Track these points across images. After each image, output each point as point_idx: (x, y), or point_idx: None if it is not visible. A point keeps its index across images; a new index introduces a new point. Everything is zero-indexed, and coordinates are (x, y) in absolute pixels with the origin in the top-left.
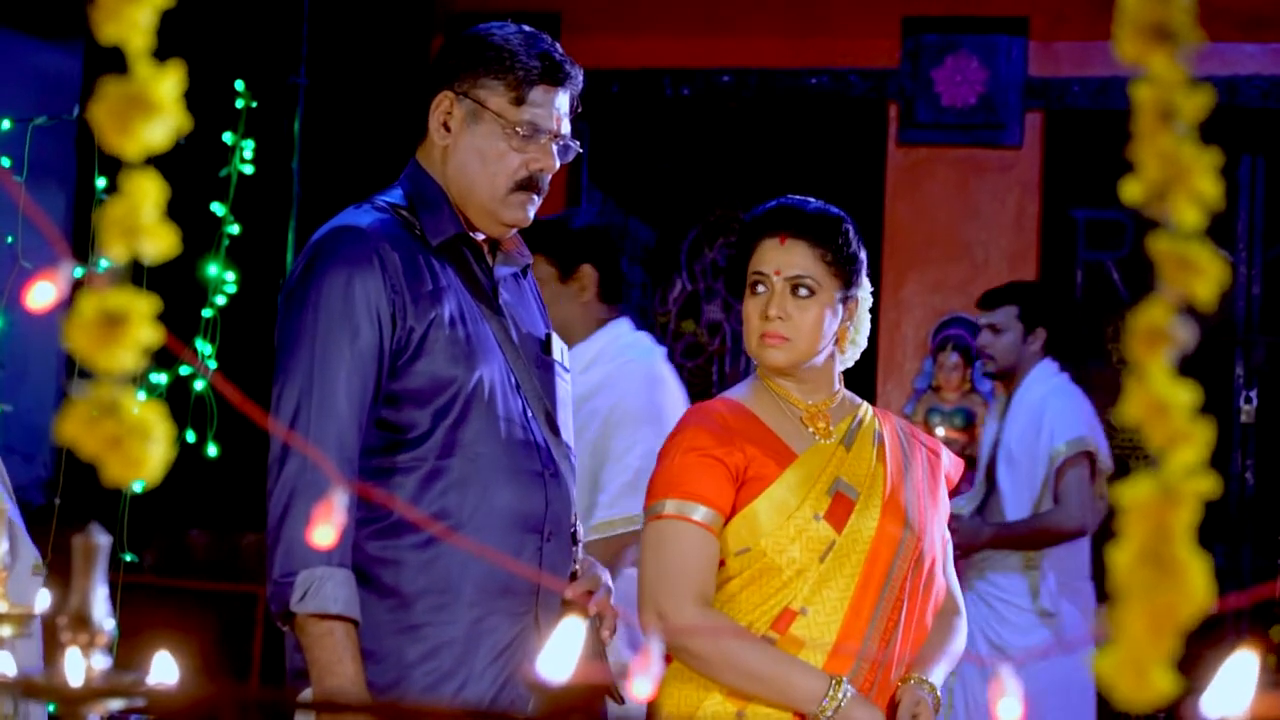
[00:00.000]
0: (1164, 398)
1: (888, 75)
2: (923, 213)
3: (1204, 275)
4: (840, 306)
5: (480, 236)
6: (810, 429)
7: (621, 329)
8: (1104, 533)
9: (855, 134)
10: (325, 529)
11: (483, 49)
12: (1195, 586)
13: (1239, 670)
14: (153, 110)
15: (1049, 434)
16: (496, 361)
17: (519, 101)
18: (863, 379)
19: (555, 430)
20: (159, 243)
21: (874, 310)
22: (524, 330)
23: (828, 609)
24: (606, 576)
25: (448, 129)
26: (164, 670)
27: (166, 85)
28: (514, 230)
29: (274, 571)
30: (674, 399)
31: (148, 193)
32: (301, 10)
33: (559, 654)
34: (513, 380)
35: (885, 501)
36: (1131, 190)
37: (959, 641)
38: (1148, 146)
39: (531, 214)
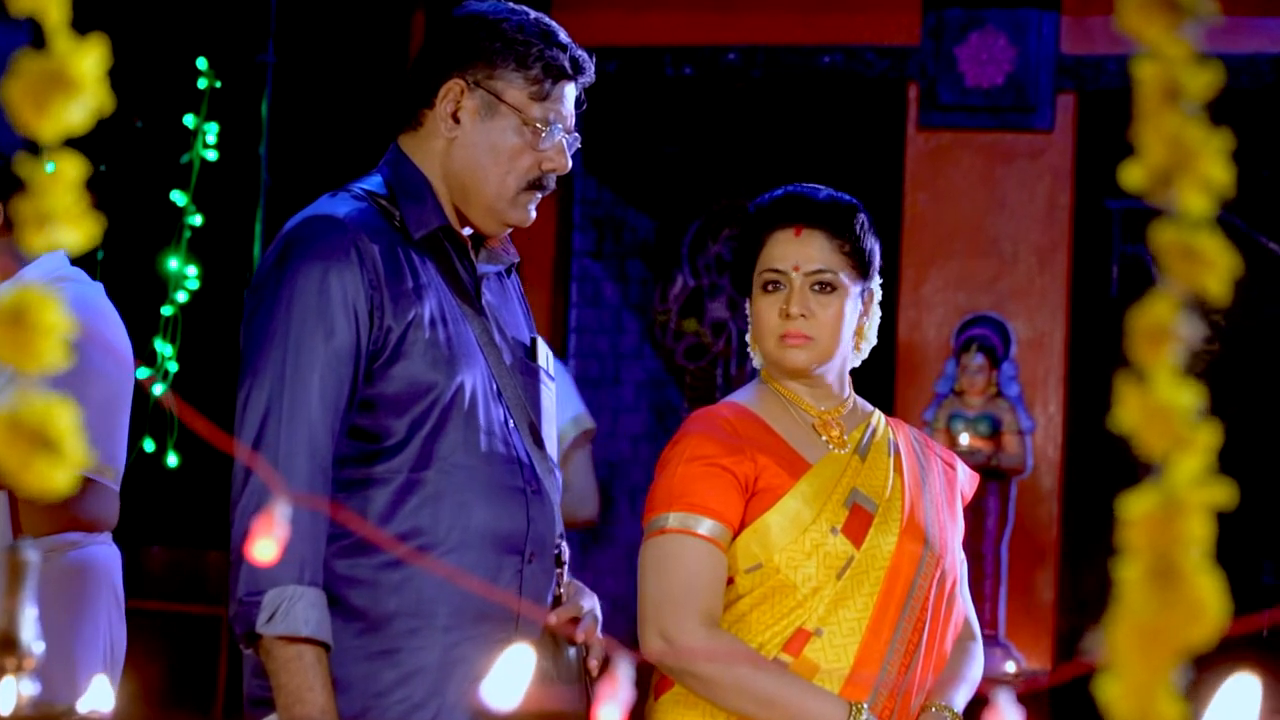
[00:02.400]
0: (1166, 401)
1: (908, 53)
2: (945, 203)
3: (1213, 267)
4: (859, 301)
5: (466, 231)
6: (823, 437)
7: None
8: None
9: (872, 117)
10: (266, 544)
11: (498, 35)
12: (1205, 607)
13: (1239, 695)
14: (72, 88)
15: None
16: (478, 367)
17: (540, 97)
18: (880, 382)
19: (539, 443)
20: (80, 231)
21: (892, 308)
22: (508, 333)
23: (844, 630)
24: (593, 602)
25: (456, 120)
26: (99, 697)
27: (87, 61)
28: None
29: (238, 590)
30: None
31: (67, 177)
32: None
33: (504, 680)
34: (494, 387)
35: (904, 516)
36: (1134, 175)
37: (978, 667)
38: (1151, 128)
39: (534, 214)
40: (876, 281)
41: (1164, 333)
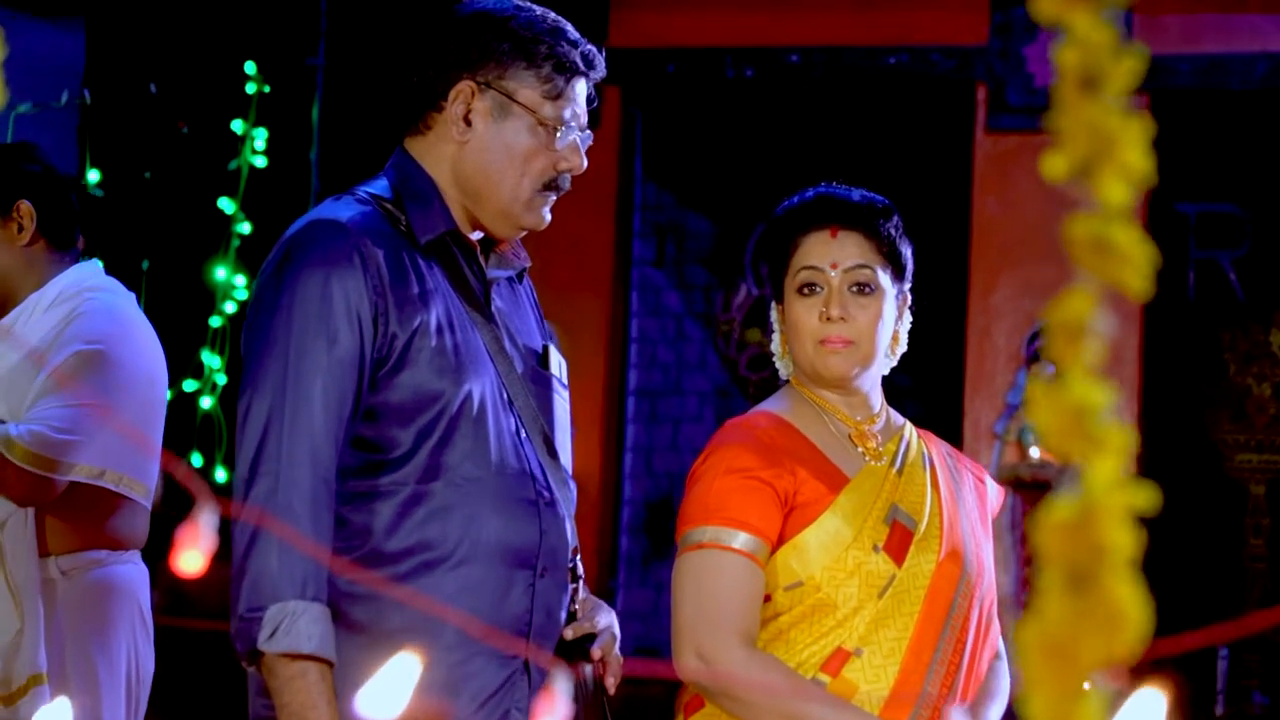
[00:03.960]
0: (1080, 401)
1: (975, 53)
2: (1014, 207)
3: (1129, 261)
4: (896, 303)
5: (476, 236)
6: (859, 448)
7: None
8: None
9: (938, 119)
10: (192, 555)
11: (507, 34)
12: (1124, 617)
13: (1145, 710)
14: None
15: None
16: (488, 375)
17: (553, 95)
18: (948, 393)
19: (552, 453)
20: None
21: (961, 316)
22: (519, 340)
23: (885, 650)
24: (611, 619)
25: (468, 123)
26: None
27: None
28: (523, 232)
29: (239, 606)
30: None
31: None
32: None
33: (384, 691)
34: (505, 396)
35: (943, 534)
36: (1054, 165)
37: (1006, 683)
38: (1071, 117)
39: (549, 216)
40: (909, 285)
41: (1079, 330)
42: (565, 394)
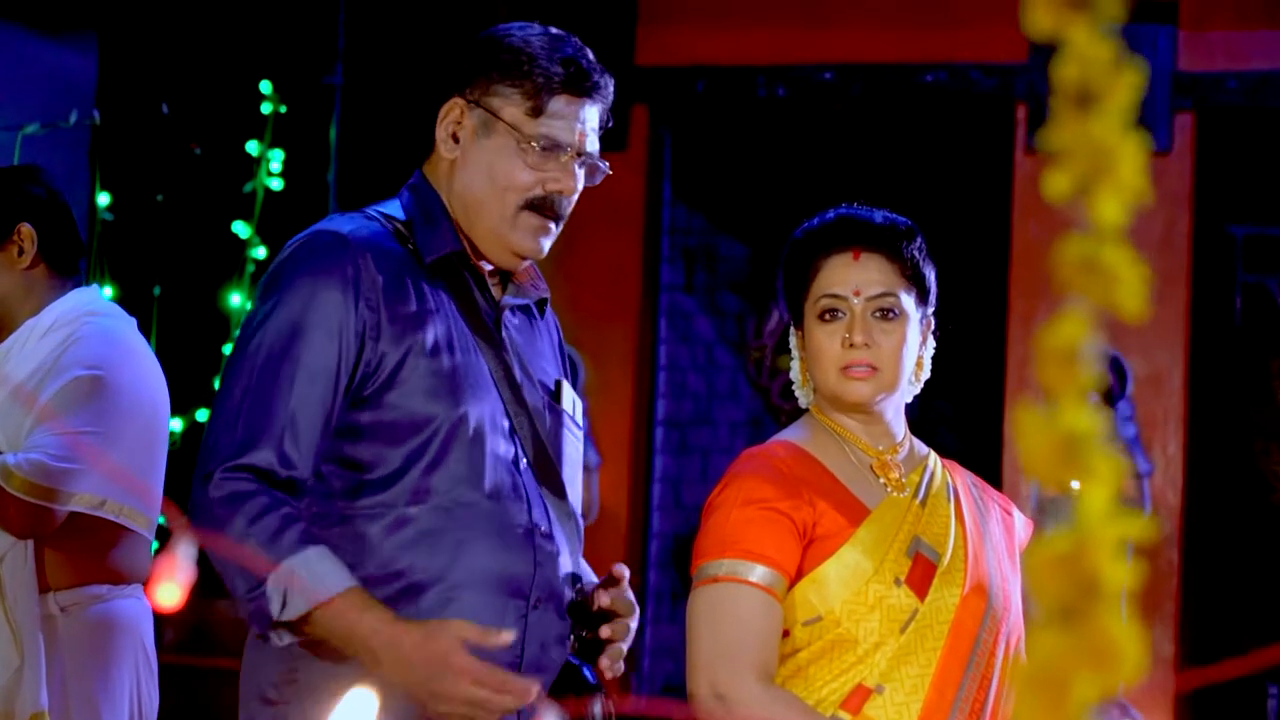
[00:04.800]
0: (1071, 429)
1: (1015, 71)
2: (1056, 230)
3: (1121, 282)
4: (920, 328)
5: (488, 267)
6: (881, 479)
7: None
8: (1233, 601)
9: (977, 139)
10: (169, 588)
11: (498, 51)
12: (1118, 651)
13: None
14: None
15: None
16: (489, 400)
17: (536, 112)
18: (988, 421)
19: (556, 486)
20: None
21: (1001, 342)
22: (531, 370)
23: (907, 687)
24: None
25: (456, 140)
26: None
27: None
28: (529, 261)
29: (238, 591)
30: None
31: None
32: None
33: None
34: (507, 424)
35: (968, 568)
36: (1055, 184)
37: None
38: (1068, 134)
39: (546, 245)
40: (933, 309)
41: (1073, 355)
42: (579, 433)
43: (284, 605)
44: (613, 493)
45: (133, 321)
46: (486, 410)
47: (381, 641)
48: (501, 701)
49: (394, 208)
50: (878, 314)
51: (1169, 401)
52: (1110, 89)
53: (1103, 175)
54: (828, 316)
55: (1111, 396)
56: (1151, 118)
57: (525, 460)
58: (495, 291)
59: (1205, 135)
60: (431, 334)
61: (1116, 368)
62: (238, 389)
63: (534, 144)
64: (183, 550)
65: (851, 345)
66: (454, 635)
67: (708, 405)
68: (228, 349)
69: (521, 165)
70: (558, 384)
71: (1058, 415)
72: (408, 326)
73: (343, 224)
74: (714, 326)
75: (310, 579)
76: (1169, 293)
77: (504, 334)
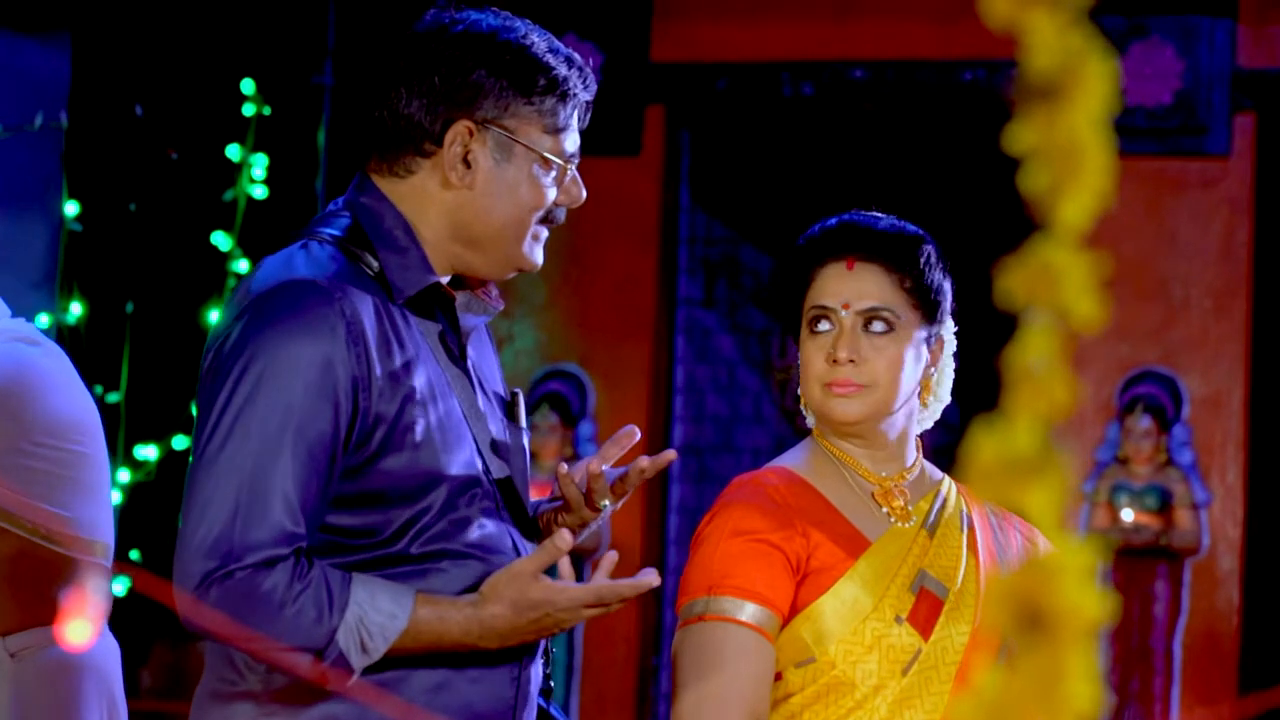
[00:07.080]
0: (1018, 447)
1: None
2: (1105, 240)
3: (1077, 289)
4: (924, 347)
5: (445, 280)
6: (884, 508)
7: None
8: None
9: None
10: (80, 625)
11: (500, 64)
12: (1071, 689)
13: None
14: None
15: None
16: (466, 446)
17: (558, 129)
18: None
19: (523, 517)
20: None
21: None
22: (489, 389)
23: None
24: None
25: (468, 164)
26: None
27: None
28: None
29: (304, 666)
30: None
31: None
32: None
33: None
34: (480, 464)
35: (979, 604)
36: (1032, 182)
37: None
38: (1036, 130)
39: (542, 258)
40: (949, 328)
41: (1031, 373)
42: (528, 439)
43: (363, 650)
44: (625, 524)
45: (45, 343)
46: (465, 459)
47: (477, 634)
48: (619, 592)
49: (340, 226)
50: (869, 328)
51: (1228, 425)
52: (1079, 83)
53: (1071, 175)
54: (815, 329)
55: (1166, 420)
56: (1208, 118)
57: (499, 499)
58: (456, 311)
59: (1267, 137)
60: (418, 387)
61: (1171, 389)
62: (228, 483)
63: (556, 160)
64: (93, 584)
65: (835, 361)
66: (527, 580)
67: (729, 430)
68: None
69: (546, 184)
70: (513, 395)
71: (1009, 435)
72: (398, 383)
73: (303, 267)
74: (736, 345)
75: (375, 613)
76: (1228, 306)
77: (468, 362)
